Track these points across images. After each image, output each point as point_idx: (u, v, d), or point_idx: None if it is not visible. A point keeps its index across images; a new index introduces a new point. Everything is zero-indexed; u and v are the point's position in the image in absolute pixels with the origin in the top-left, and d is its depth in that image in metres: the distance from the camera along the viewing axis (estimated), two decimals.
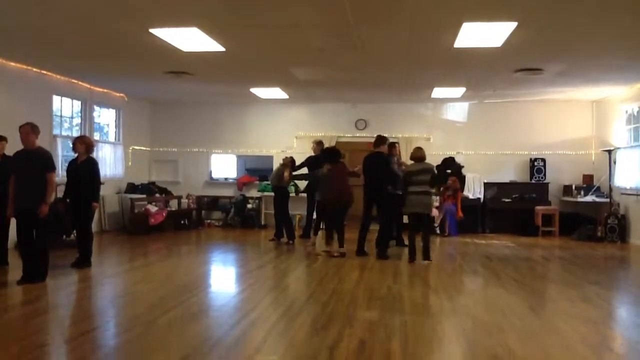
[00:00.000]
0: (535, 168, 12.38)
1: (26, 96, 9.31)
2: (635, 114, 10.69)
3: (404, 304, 5.58)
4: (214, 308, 5.59)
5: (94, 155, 7.79)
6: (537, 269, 8.02)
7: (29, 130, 6.34)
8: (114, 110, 12.50)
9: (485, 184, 12.39)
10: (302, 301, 5.68)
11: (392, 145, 9.79)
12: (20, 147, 6.50)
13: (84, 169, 7.38)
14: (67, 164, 7.89)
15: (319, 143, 10.54)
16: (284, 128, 13.36)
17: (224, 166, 13.97)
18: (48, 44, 7.75)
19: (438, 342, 4.39)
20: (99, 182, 7.62)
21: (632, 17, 6.15)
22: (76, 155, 7.54)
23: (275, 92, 11.59)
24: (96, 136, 11.71)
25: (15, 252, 7.74)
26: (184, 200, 13.03)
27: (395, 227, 9.75)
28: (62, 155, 10.17)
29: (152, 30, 6.77)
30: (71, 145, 7.59)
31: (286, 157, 10.61)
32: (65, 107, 10.81)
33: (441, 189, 11.68)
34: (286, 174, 10.08)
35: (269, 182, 11.98)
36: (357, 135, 13.05)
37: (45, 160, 6.37)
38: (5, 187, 6.53)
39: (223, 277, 7.74)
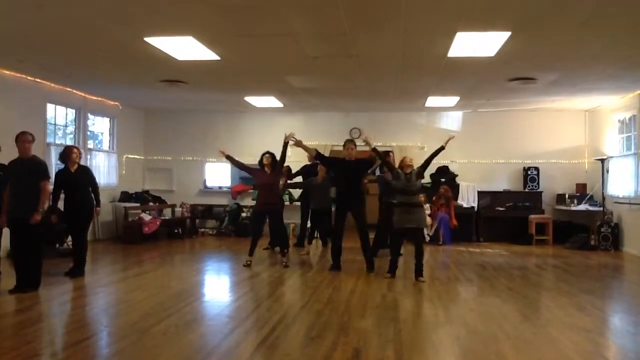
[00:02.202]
0: (529, 177, 12.45)
1: (20, 104, 9.30)
2: (628, 123, 10.77)
3: (399, 312, 5.58)
4: (208, 317, 5.57)
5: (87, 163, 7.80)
6: (531, 277, 8.03)
7: (25, 139, 6.33)
8: (108, 119, 12.50)
9: (479, 192, 12.43)
10: (297, 310, 5.66)
11: (387, 154, 9.80)
12: (13, 155, 6.49)
13: (83, 176, 7.40)
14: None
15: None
16: (278, 136, 13.20)
17: (218, 175, 13.96)
18: (42, 52, 7.74)
19: (433, 351, 4.39)
20: (98, 187, 7.67)
21: (623, 27, 6.22)
22: (64, 165, 7.51)
23: (270, 101, 11.61)
24: (90, 144, 11.71)
25: (7, 261, 7.71)
26: (178, 209, 13.01)
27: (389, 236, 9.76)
28: (56, 163, 10.11)
29: (147, 39, 6.79)
30: (64, 155, 7.50)
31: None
32: (59, 115, 10.80)
33: (433, 198, 11.74)
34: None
35: None
36: None
37: (40, 169, 6.36)
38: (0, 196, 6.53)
39: (217, 286, 7.71)
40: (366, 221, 8.16)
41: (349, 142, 8.32)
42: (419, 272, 7.33)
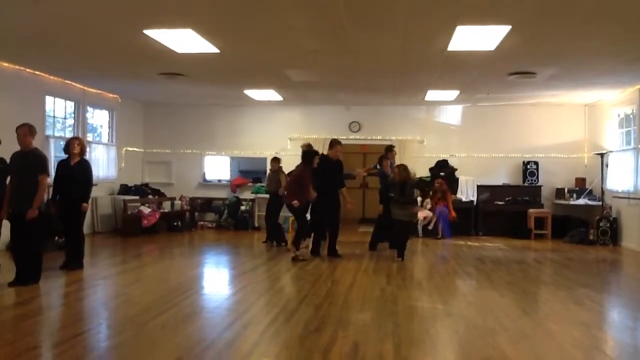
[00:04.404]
0: (528, 171, 12.44)
1: (19, 97, 9.26)
2: (628, 117, 10.75)
3: (397, 306, 5.59)
4: (207, 310, 5.58)
5: (87, 156, 7.75)
6: (529, 271, 8.04)
7: (26, 131, 6.30)
8: (107, 112, 12.47)
9: (478, 186, 12.43)
10: (296, 303, 5.66)
11: (390, 149, 9.85)
12: (12, 148, 6.47)
13: (79, 170, 7.33)
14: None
15: (308, 146, 10.56)
16: (277, 130, 13.36)
17: (217, 168, 13.95)
18: (41, 45, 7.71)
19: (431, 345, 4.40)
20: (92, 183, 7.59)
21: (623, 24, 6.20)
22: (67, 156, 7.48)
23: (269, 94, 11.59)
24: (89, 137, 11.67)
25: (7, 254, 7.71)
26: (177, 202, 13.01)
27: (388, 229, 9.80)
28: (55, 156, 10.09)
29: (146, 32, 6.75)
30: (66, 145, 7.50)
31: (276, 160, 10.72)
32: (59, 108, 10.77)
33: (431, 193, 11.74)
34: (282, 177, 10.15)
35: (262, 184, 11.97)
36: (351, 137, 13.07)
37: (39, 163, 6.32)
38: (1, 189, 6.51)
39: (216, 279, 7.72)
40: (334, 214, 8.85)
41: (338, 144, 8.95)
42: (400, 254, 8.51)
